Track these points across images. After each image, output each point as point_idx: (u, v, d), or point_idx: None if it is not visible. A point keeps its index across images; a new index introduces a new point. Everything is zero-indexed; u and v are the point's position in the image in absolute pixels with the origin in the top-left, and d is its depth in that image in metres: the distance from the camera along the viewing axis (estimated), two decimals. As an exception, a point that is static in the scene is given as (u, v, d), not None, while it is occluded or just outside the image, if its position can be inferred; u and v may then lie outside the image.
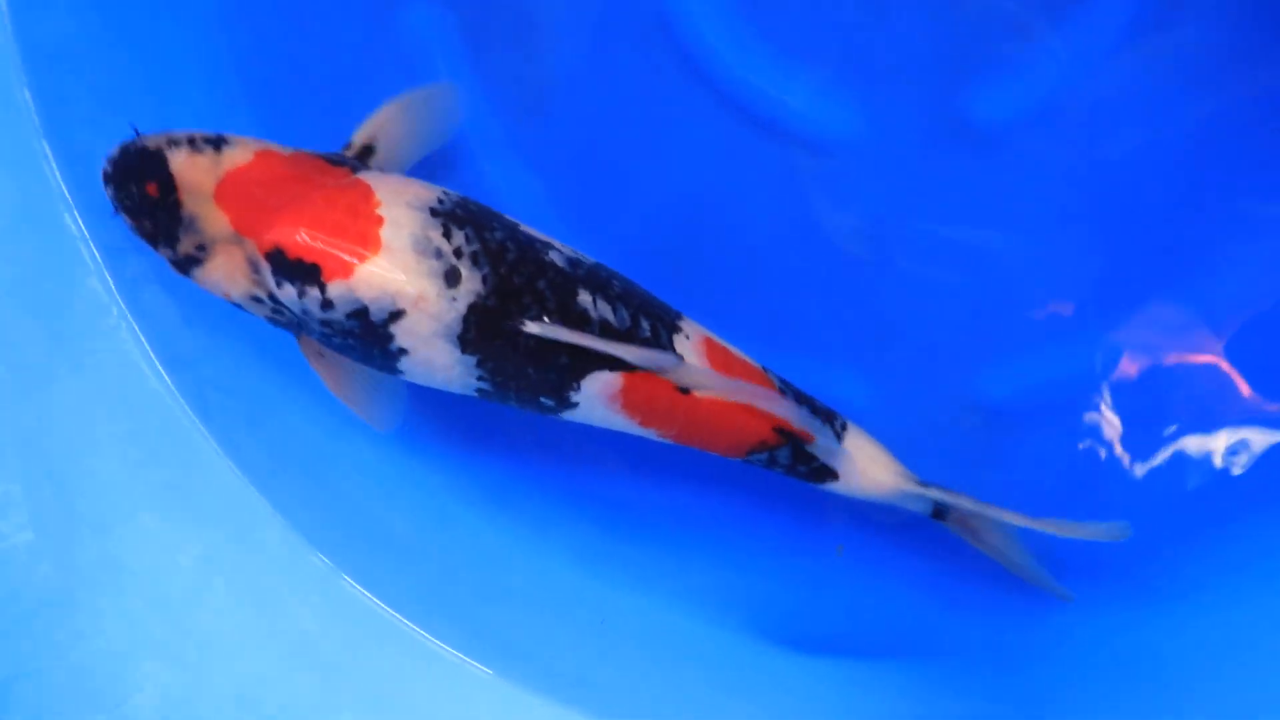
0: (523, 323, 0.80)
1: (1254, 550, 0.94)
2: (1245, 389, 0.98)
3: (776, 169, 0.97)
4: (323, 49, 0.98)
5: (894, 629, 0.99)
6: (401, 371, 0.83)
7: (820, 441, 0.88)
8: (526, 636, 0.97)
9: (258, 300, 0.83)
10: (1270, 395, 0.98)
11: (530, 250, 0.84)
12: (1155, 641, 0.93)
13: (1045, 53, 0.94)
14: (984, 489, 0.94)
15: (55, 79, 0.93)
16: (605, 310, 0.84)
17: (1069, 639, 0.96)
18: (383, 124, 0.89)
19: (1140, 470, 0.98)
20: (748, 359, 0.90)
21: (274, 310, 0.83)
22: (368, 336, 0.81)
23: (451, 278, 0.80)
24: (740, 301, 1.00)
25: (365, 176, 0.83)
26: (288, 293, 0.80)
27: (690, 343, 0.87)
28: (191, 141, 0.80)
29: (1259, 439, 0.97)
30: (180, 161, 0.78)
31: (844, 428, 0.92)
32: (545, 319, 0.81)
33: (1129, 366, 1.00)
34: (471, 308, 0.80)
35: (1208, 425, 0.98)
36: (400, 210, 0.80)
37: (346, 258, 0.79)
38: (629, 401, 0.85)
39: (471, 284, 0.80)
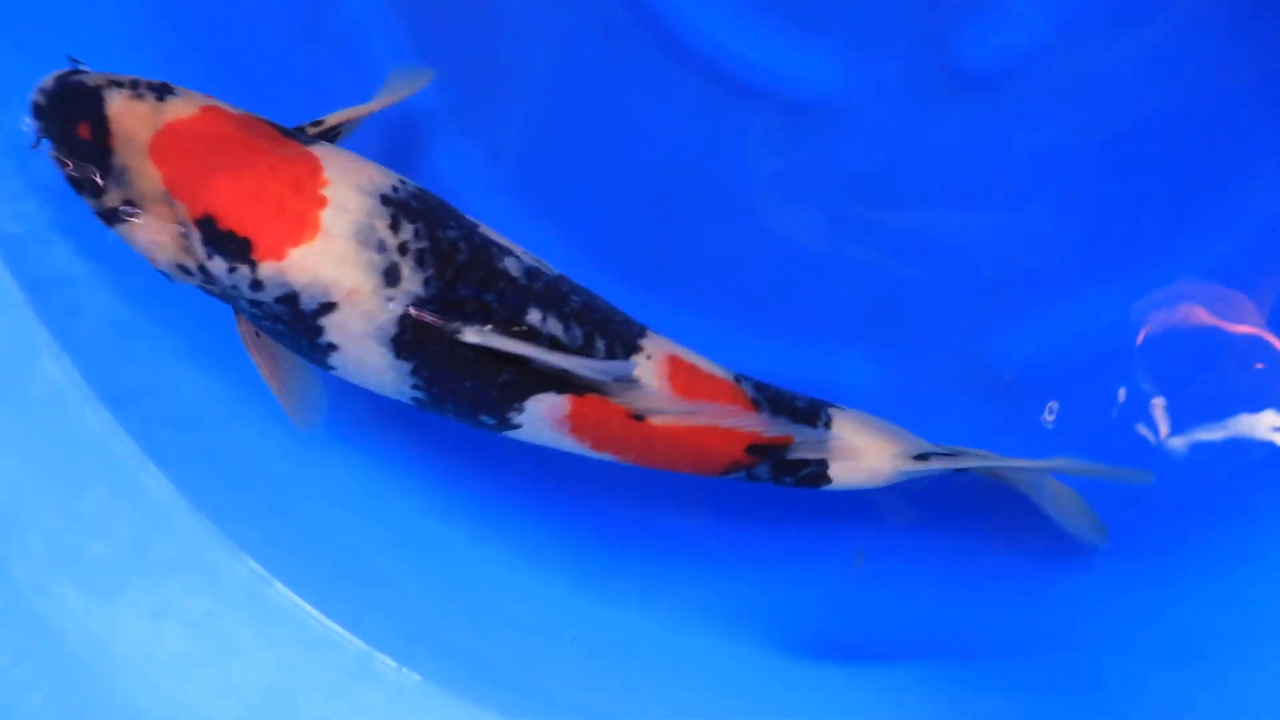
0: (460, 330, 0.74)
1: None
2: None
3: (755, 134, 0.95)
4: (253, 29, 0.94)
5: (919, 634, 0.94)
6: (333, 367, 0.78)
7: (800, 443, 0.84)
8: (522, 666, 0.90)
9: (186, 270, 0.77)
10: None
11: (484, 255, 0.78)
12: (1189, 625, 0.89)
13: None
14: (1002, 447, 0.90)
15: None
16: (555, 327, 0.78)
17: (1105, 626, 0.91)
18: (360, 112, 0.84)
19: (1171, 442, 0.94)
20: (716, 371, 0.84)
21: (204, 282, 0.77)
22: (297, 325, 0.75)
23: (391, 275, 0.74)
24: (726, 280, 0.96)
25: (317, 150, 0.77)
26: (218, 266, 0.74)
27: (652, 363, 0.81)
28: (134, 85, 0.75)
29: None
30: (118, 105, 0.74)
31: (829, 423, 0.86)
32: (488, 327, 0.76)
33: (1155, 329, 0.95)
34: (408, 311, 0.75)
35: (1244, 398, 0.93)
36: (348, 193, 0.75)
37: (280, 237, 0.73)
38: (578, 426, 0.80)
39: (411, 285, 0.75)
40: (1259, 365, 0.93)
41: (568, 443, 0.81)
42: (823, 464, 0.85)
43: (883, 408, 0.92)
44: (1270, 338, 0.93)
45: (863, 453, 0.85)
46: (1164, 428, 0.94)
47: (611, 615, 0.93)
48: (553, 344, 0.77)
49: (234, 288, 0.75)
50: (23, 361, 0.86)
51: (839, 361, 0.96)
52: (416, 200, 0.77)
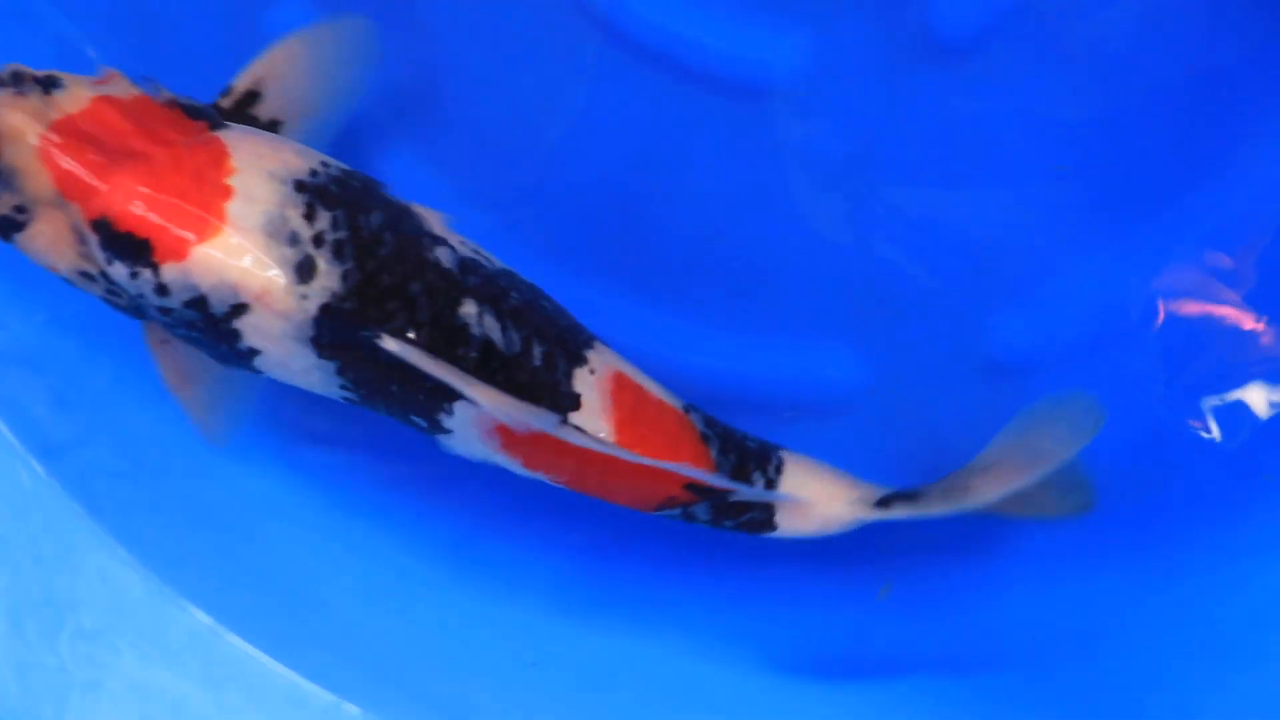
0: (379, 335, 0.69)
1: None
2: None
3: (716, 123, 0.91)
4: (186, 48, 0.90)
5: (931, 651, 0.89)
6: (260, 371, 0.74)
7: (744, 493, 0.78)
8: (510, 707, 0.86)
9: (89, 277, 0.72)
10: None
11: (412, 244, 0.73)
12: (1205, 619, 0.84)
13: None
14: None
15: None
16: (492, 328, 0.73)
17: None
18: (275, 65, 0.78)
19: (1173, 423, 0.89)
20: (666, 397, 0.79)
21: (108, 291, 0.73)
22: (211, 331, 0.71)
23: (305, 270, 0.69)
24: (697, 276, 0.92)
25: (225, 134, 0.72)
26: (119, 271, 0.70)
27: (595, 379, 0.76)
28: (17, 79, 0.71)
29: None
30: (1, 102, 0.70)
31: (780, 467, 0.81)
32: (410, 334, 0.70)
33: (1154, 307, 0.90)
34: (325, 309, 0.70)
35: (1238, 378, 0.88)
36: (257, 180, 0.70)
37: (182, 235, 0.68)
38: (510, 440, 0.75)
39: (327, 280, 0.70)
40: (1265, 340, 0.87)
41: (500, 460, 0.76)
42: (769, 509, 0.80)
43: (873, 400, 0.90)
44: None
45: (814, 500, 0.80)
46: (1167, 410, 0.89)
47: (599, 643, 0.89)
48: (486, 351, 0.72)
49: (140, 295, 0.71)
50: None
51: (824, 354, 0.92)
52: (338, 185, 0.72)
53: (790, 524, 0.80)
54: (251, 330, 0.70)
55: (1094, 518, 0.84)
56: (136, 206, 0.68)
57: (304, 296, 0.69)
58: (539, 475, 0.76)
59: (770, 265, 0.92)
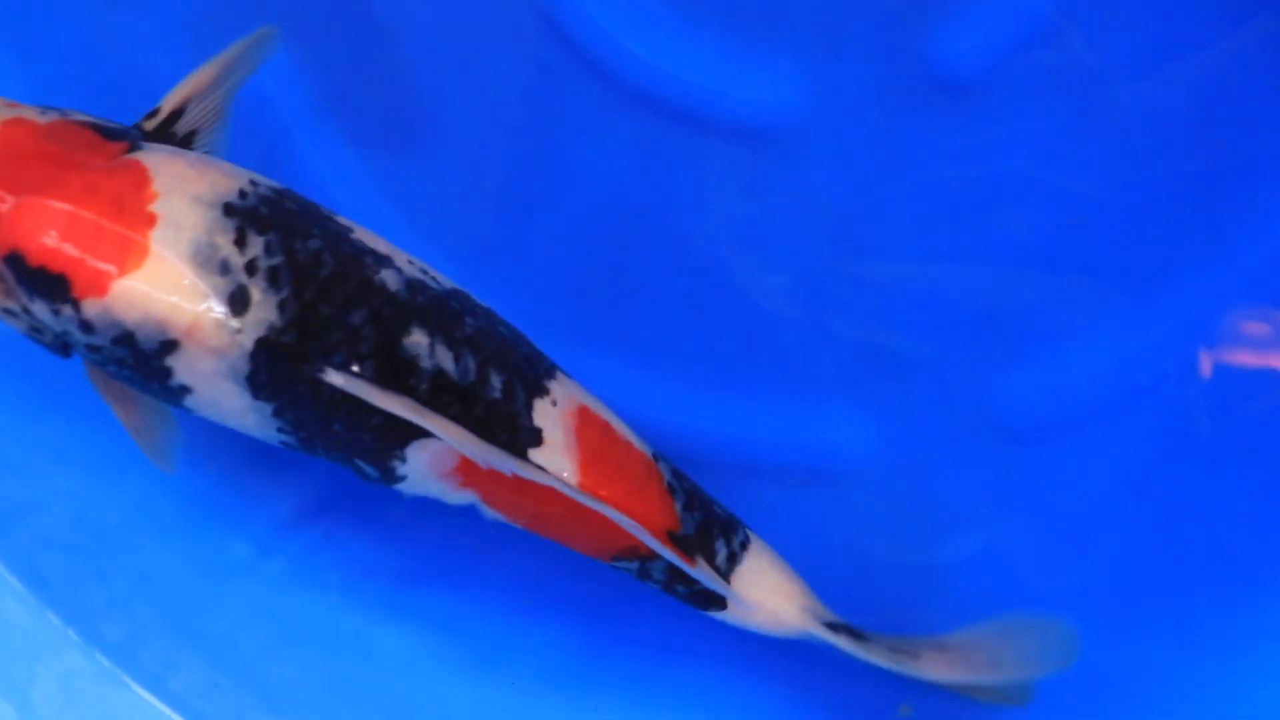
0: (323, 370, 0.66)
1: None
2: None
3: (709, 169, 0.89)
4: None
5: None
6: (191, 410, 0.70)
7: (703, 567, 0.75)
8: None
9: (11, 314, 0.69)
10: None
11: (354, 267, 0.69)
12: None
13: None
14: (1017, 514, 0.86)
15: None
16: (444, 358, 0.69)
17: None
18: (199, 82, 0.74)
19: (1196, 482, 0.85)
20: (632, 439, 0.75)
21: (32, 328, 0.69)
22: (142, 368, 0.68)
23: (238, 301, 0.66)
24: (691, 334, 0.89)
25: (145, 156, 0.68)
26: (40, 309, 0.66)
27: (557, 412, 0.72)
28: None
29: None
30: None
31: (745, 545, 0.77)
32: (354, 367, 0.66)
33: (1174, 362, 0.86)
34: (261, 343, 0.66)
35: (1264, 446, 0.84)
36: (182, 206, 0.66)
37: (101, 268, 0.65)
38: (469, 480, 0.71)
39: (263, 312, 0.66)
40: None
41: (459, 498, 0.72)
42: (724, 589, 0.76)
43: (883, 463, 0.87)
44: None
45: (771, 593, 0.76)
46: (1190, 467, 0.85)
47: None
48: (438, 381, 0.68)
49: (65, 332, 0.67)
50: None
51: (829, 415, 0.89)
52: (268, 207, 0.68)
53: (740, 611, 0.76)
54: (183, 368, 0.67)
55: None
56: (50, 238, 0.64)
57: (238, 330, 0.66)
58: (498, 516, 0.73)
59: (767, 322, 0.89)
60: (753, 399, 0.88)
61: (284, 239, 0.67)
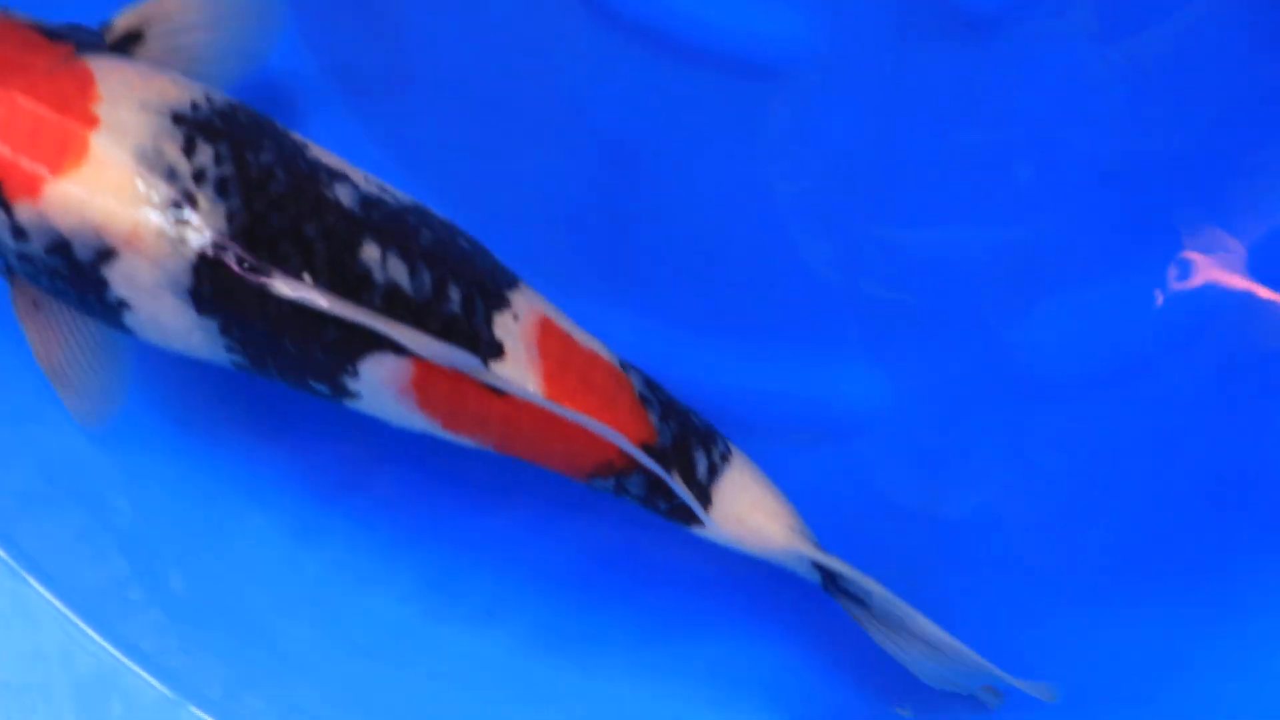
0: (271, 278, 0.65)
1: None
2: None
3: (716, 110, 0.86)
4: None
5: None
6: (130, 329, 0.69)
7: (680, 479, 0.75)
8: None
9: None
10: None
11: (307, 182, 0.68)
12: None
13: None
14: (1031, 471, 0.84)
15: None
16: (398, 272, 0.68)
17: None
18: (165, 8, 0.73)
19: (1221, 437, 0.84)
20: (597, 349, 0.75)
21: None
22: (77, 280, 0.66)
23: (182, 210, 0.65)
24: (694, 284, 0.87)
25: (92, 60, 0.67)
26: None
27: (519, 325, 0.72)
28: None
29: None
30: None
31: (726, 457, 0.77)
32: (305, 276, 0.66)
33: (1199, 317, 0.85)
34: (205, 255, 0.65)
35: None
36: (128, 111, 0.65)
37: (34, 170, 0.63)
38: (426, 398, 0.70)
39: (210, 221, 0.65)
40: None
41: (417, 420, 0.71)
42: (704, 499, 0.76)
43: (895, 422, 0.86)
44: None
45: (753, 508, 0.76)
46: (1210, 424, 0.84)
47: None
48: (392, 296, 0.68)
49: None
50: None
51: (840, 369, 0.88)
52: (223, 119, 0.68)
53: (722, 525, 0.76)
54: (121, 280, 0.66)
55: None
56: None
57: (181, 241, 0.64)
58: (463, 438, 0.72)
59: (775, 272, 0.88)
60: (759, 351, 0.87)
61: (235, 149, 0.66)
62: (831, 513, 0.80)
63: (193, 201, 0.64)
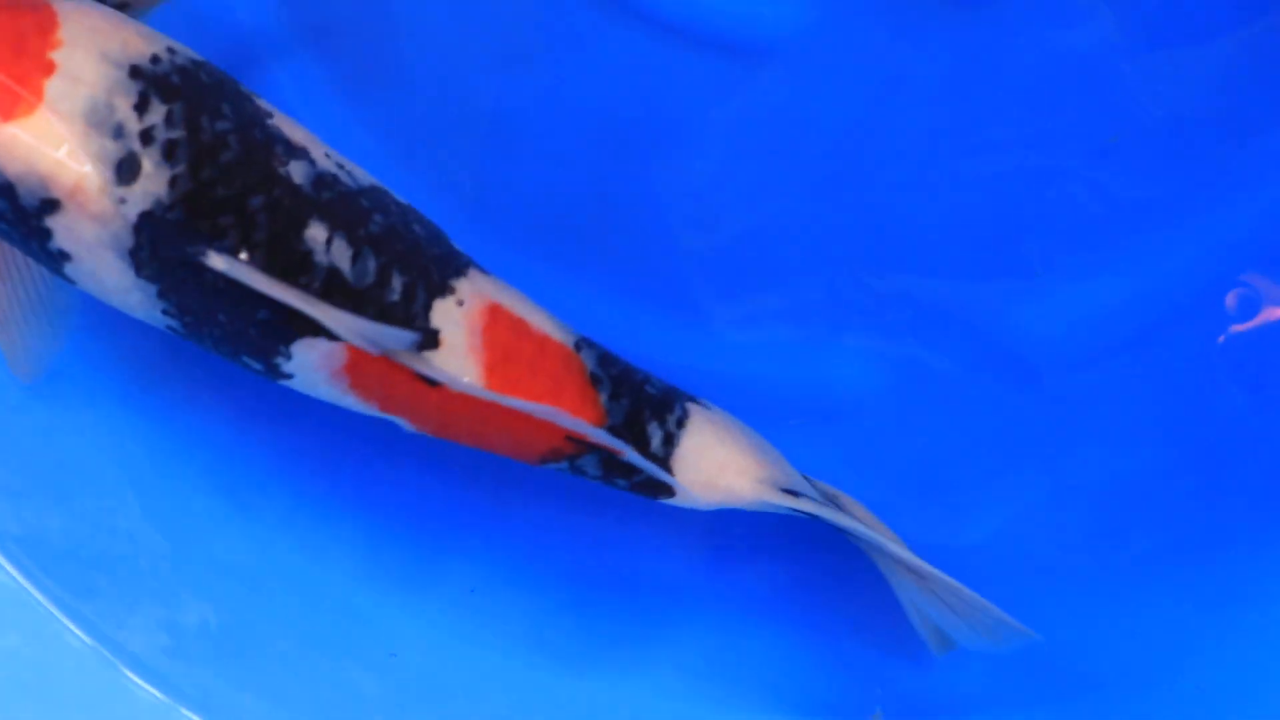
0: (205, 253, 0.65)
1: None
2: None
3: (704, 90, 0.86)
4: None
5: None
6: (73, 280, 0.69)
7: (635, 453, 0.73)
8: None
9: None
10: None
11: (260, 153, 0.67)
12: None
13: None
14: (1027, 451, 0.84)
15: None
16: (341, 257, 0.67)
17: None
18: None
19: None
20: (552, 332, 0.74)
21: None
22: (21, 225, 0.66)
23: (126, 169, 0.64)
24: (691, 272, 0.87)
25: (57, 2, 0.66)
26: None
27: (463, 312, 0.71)
28: None
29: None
30: None
31: (682, 422, 0.75)
32: (242, 254, 0.65)
33: (1198, 296, 0.85)
34: (146, 216, 0.64)
35: None
36: (86, 59, 0.65)
37: None
38: (359, 382, 0.70)
39: (152, 184, 0.65)
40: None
41: (350, 402, 0.71)
42: (666, 470, 0.75)
43: (889, 400, 0.85)
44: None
45: (720, 467, 0.75)
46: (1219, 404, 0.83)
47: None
48: (331, 281, 0.67)
49: None
50: None
51: (833, 351, 0.87)
52: (182, 76, 0.67)
53: (690, 491, 0.75)
54: (64, 232, 0.65)
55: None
56: None
57: (122, 200, 0.64)
58: (400, 421, 0.71)
59: (767, 251, 0.87)
60: (745, 330, 0.87)
61: (190, 112, 0.65)
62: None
63: (137, 162, 0.64)
